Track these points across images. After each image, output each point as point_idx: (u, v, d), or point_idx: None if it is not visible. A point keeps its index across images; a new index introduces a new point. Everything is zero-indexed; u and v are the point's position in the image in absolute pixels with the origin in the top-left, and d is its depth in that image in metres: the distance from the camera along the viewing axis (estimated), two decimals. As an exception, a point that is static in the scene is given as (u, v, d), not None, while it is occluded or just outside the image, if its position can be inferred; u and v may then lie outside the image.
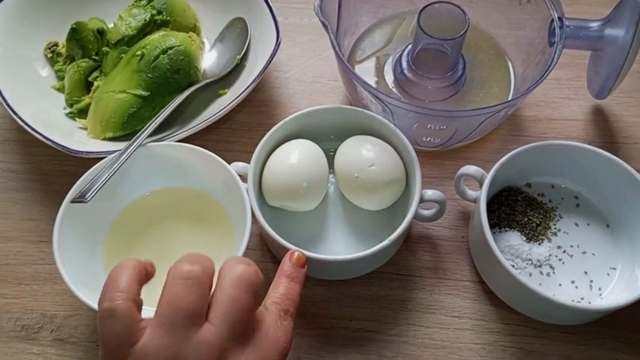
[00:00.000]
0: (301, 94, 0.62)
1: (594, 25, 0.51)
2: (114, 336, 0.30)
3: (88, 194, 0.45)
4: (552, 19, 0.52)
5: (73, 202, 0.46)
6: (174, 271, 0.32)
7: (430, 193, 0.48)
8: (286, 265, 0.37)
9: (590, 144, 0.57)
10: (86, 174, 0.48)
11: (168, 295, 0.31)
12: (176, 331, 0.29)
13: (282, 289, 0.36)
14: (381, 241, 0.50)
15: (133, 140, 0.50)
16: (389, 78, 0.59)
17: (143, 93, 0.54)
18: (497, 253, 0.45)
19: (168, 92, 0.55)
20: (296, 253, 0.38)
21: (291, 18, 0.67)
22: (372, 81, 0.59)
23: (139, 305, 0.32)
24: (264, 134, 0.50)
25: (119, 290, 0.31)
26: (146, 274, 0.34)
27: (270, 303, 0.35)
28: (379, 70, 0.60)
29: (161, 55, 0.54)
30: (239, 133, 0.59)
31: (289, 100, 0.61)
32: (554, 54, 0.50)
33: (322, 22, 0.51)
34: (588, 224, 0.52)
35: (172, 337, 0.29)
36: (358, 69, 0.60)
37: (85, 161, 0.51)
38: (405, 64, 0.57)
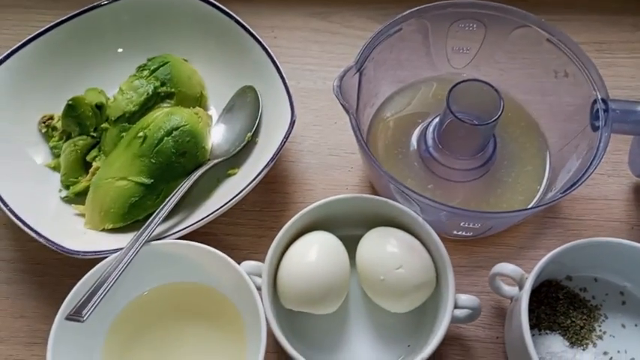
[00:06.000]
0: (315, 169, 0.57)
1: (643, 108, 0.46)
2: None
3: (85, 311, 0.40)
4: (595, 100, 0.47)
5: (67, 319, 0.41)
6: None
7: (464, 299, 0.44)
8: None
9: (632, 228, 0.53)
10: (81, 281, 0.43)
11: None
12: None
13: None
14: (409, 345, 0.47)
15: (133, 242, 0.44)
16: (412, 153, 0.54)
17: (146, 181, 0.49)
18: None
19: (173, 177, 0.50)
20: None
21: (304, 81, 0.62)
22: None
23: None
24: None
25: None
26: None
27: None
28: (402, 145, 0.55)
29: (165, 138, 0.49)
30: (249, 214, 0.54)
31: (303, 175, 0.56)
32: (600, 142, 0.44)
33: (343, 106, 0.46)
34: (636, 325, 0.47)
35: None
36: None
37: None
38: (430, 141, 0.53)
